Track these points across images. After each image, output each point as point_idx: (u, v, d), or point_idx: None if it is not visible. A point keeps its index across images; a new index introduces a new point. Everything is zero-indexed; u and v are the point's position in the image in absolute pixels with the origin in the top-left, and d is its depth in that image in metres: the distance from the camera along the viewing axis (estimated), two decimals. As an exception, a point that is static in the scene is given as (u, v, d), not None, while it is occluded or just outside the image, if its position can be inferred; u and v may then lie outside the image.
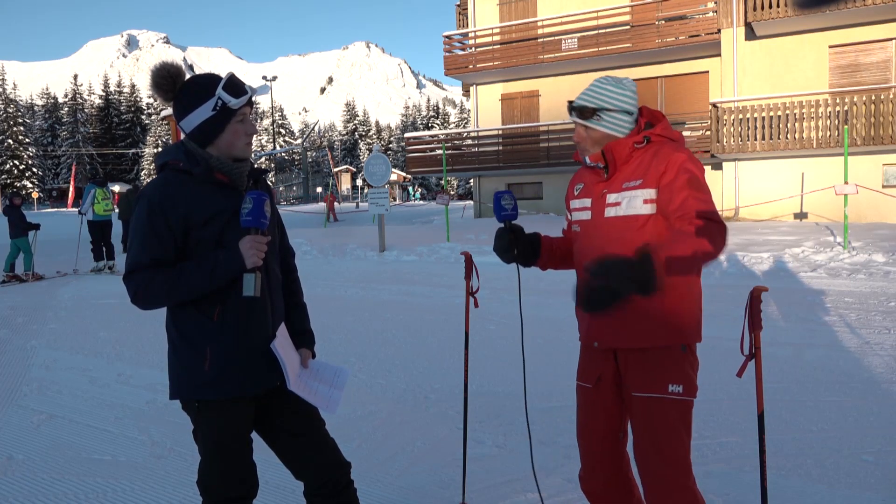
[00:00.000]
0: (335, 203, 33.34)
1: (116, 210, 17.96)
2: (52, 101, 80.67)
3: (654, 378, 2.10)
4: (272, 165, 73.38)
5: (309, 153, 71.92)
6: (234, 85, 2.02)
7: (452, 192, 74.79)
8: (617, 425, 2.24)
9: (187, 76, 2.07)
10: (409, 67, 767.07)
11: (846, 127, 11.78)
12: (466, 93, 23.61)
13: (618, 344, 2.16)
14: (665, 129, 2.16)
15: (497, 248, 2.36)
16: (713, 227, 1.89)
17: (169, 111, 19.82)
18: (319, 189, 57.93)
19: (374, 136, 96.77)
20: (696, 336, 2.14)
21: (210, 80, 2.03)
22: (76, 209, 21.45)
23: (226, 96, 2.00)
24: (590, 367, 2.28)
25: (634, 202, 2.09)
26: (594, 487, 2.30)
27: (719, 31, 17.49)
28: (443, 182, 18.27)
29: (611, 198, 2.15)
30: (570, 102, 2.20)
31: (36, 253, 12.68)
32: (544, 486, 3.17)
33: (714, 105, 16.76)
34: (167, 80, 2.03)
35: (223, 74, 2.06)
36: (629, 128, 2.18)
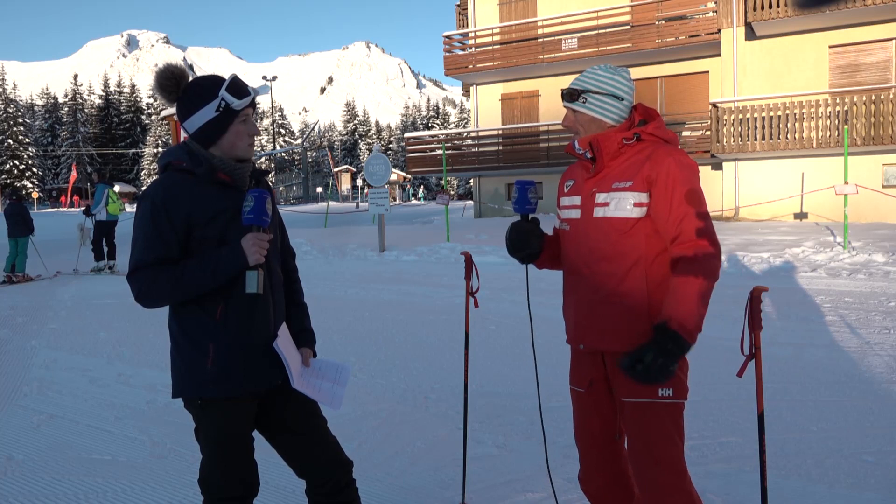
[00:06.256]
0: None
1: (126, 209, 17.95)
2: (52, 101, 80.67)
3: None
4: (272, 165, 73.35)
5: (309, 153, 71.92)
6: (237, 86, 2.05)
7: (452, 192, 74.80)
8: (613, 427, 2.23)
9: (191, 78, 2.09)
10: (409, 67, 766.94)
11: (846, 127, 11.79)
12: (466, 93, 23.62)
13: (603, 346, 2.15)
14: (658, 128, 2.12)
15: (515, 241, 2.28)
16: (710, 262, 1.98)
17: (169, 111, 19.86)
18: (319, 189, 57.96)
19: (374, 136, 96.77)
20: None
21: (213, 82, 2.06)
22: (80, 209, 21.37)
23: (229, 97, 2.02)
24: (580, 370, 2.27)
25: (623, 204, 2.06)
26: (594, 489, 2.31)
27: (719, 31, 17.49)
28: (443, 182, 18.27)
29: (600, 197, 2.11)
30: (562, 90, 2.18)
31: (29, 255, 12.49)
32: (544, 486, 3.17)
33: (714, 105, 16.76)
34: (171, 81, 2.05)
35: (225, 75, 2.08)
36: (618, 114, 2.13)
